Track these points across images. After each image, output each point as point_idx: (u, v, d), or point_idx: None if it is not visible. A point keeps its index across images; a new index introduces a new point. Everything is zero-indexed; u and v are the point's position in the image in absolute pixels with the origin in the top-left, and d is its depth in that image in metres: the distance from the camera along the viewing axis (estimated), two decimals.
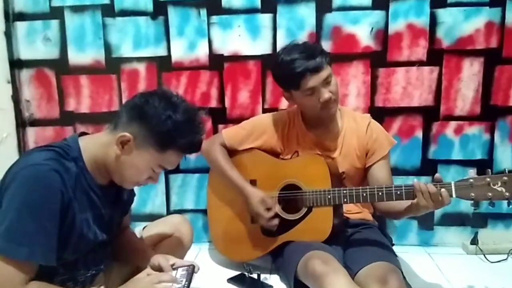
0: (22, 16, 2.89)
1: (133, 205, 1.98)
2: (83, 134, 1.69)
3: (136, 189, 1.93)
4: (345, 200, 2.12)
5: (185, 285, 1.65)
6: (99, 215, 1.64)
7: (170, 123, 1.54)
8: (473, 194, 1.86)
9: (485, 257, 2.67)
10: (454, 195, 1.88)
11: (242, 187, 2.33)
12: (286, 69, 2.14)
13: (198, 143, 1.64)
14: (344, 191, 2.12)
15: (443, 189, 1.86)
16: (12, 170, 1.49)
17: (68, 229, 1.52)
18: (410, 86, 2.77)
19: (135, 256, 1.87)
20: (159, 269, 1.75)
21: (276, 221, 2.26)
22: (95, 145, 1.61)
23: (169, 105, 1.56)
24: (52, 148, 1.53)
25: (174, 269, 1.75)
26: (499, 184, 1.83)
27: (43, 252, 1.46)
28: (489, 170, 1.86)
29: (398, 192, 1.99)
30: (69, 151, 1.55)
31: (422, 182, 1.90)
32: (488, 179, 1.84)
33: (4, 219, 1.43)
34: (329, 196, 2.14)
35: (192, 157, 2.90)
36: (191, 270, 1.74)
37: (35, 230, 1.43)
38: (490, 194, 1.83)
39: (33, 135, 2.99)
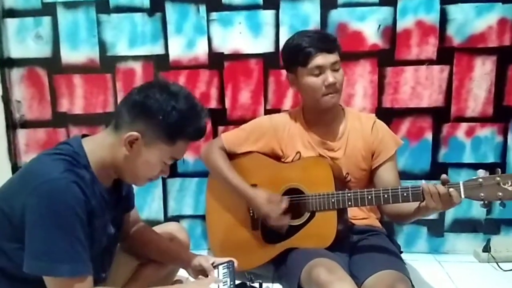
0: (12, 13, 2.89)
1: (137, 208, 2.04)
2: (83, 136, 1.71)
3: None
4: (350, 203, 2.12)
5: (231, 285, 1.75)
6: (107, 220, 1.69)
7: (175, 114, 1.57)
8: (482, 194, 1.87)
9: (498, 265, 2.68)
10: (463, 195, 1.88)
11: (243, 190, 2.34)
12: (296, 45, 2.24)
13: (205, 127, 1.69)
14: (349, 194, 2.12)
15: (452, 189, 1.88)
16: (28, 185, 1.49)
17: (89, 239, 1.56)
18: (419, 86, 2.78)
19: (166, 257, 2.00)
20: (201, 270, 1.88)
21: (287, 219, 2.27)
22: (100, 148, 1.63)
23: (170, 96, 1.58)
24: (63, 157, 1.55)
25: (214, 267, 1.85)
26: (510, 183, 1.84)
27: (84, 264, 1.51)
28: (499, 169, 1.88)
29: (405, 194, 1.99)
30: (78, 158, 1.57)
31: (430, 184, 1.92)
32: (498, 178, 1.85)
33: (35, 240, 1.46)
34: (332, 200, 2.15)
35: (190, 160, 2.93)
36: (232, 267, 1.82)
37: (71, 245, 1.47)
38: (500, 193, 1.84)
39: (24, 137, 3.00)
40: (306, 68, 2.21)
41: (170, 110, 1.56)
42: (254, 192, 2.33)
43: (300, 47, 2.21)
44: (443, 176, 1.92)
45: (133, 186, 1.91)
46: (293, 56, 2.26)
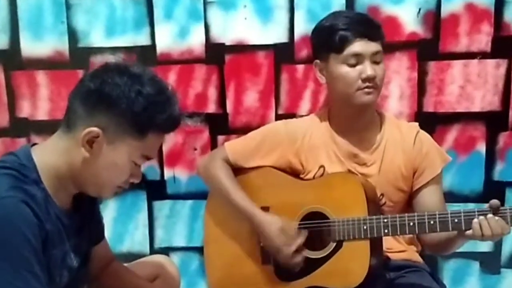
0: None
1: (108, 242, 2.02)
2: (34, 145, 1.70)
3: (110, 221, 1.97)
4: (386, 231, 2.11)
5: None
6: (67, 249, 1.67)
7: (142, 100, 1.56)
8: None
9: None
10: None
11: (252, 215, 2.32)
12: (331, 26, 2.24)
13: (180, 115, 1.68)
14: (385, 220, 2.11)
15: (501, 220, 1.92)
16: None
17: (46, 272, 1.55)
18: (470, 85, 2.79)
19: None
20: None
21: (301, 258, 2.25)
22: (52, 156, 1.62)
23: (132, 79, 1.58)
24: (7, 172, 1.54)
25: None
26: None
27: None
28: None
29: (456, 220, 1.99)
30: (26, 172, 1.56)
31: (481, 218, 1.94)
32: None
33: None
34: (364, 227, 2.14)
35: (183, 178, 2.94)
36: None
37: (25, 281, 1.45)
38: None
39: None
40: (340, 55, 2.21)
41: (135, 96, 1.55)
42: (265, 218, 2.30)
43: (335, 28, 2.21)
44: (493, 201, 1.95)
45: (104, 213, 1.92)
46: (325, 39, 2.26)
